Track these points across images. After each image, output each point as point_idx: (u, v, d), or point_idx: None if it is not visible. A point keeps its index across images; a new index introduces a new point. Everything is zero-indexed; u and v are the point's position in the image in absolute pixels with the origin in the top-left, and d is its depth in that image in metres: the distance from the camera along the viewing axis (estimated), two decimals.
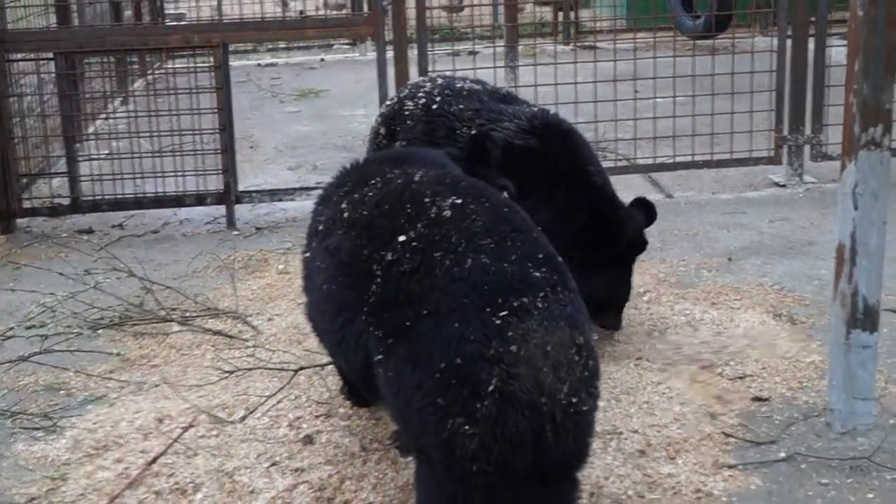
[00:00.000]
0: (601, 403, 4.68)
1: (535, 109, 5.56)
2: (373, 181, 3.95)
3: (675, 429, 4.53)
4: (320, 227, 4.02)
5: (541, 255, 3.50)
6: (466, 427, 3.24)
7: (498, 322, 3.27)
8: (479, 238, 3.46)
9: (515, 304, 3.30)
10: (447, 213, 3.57)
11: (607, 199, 5.35)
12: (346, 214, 3.85)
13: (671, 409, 4.70)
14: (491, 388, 3.22)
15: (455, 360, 3.25)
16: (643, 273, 6.42)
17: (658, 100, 7.78)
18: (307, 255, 4.20)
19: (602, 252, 5.25)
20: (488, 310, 3.29)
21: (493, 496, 3.45)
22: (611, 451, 4.34)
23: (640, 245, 5.42)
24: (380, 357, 3.48)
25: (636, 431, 4.47)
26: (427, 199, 3.66)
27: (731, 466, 4.30)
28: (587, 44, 14.08)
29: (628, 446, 4.37)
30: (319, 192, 4.51)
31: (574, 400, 3.35)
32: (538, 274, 3.42)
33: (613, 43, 9.21)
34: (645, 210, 5.40)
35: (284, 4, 15.98)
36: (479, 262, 3.38)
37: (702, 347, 5.38)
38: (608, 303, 5.34)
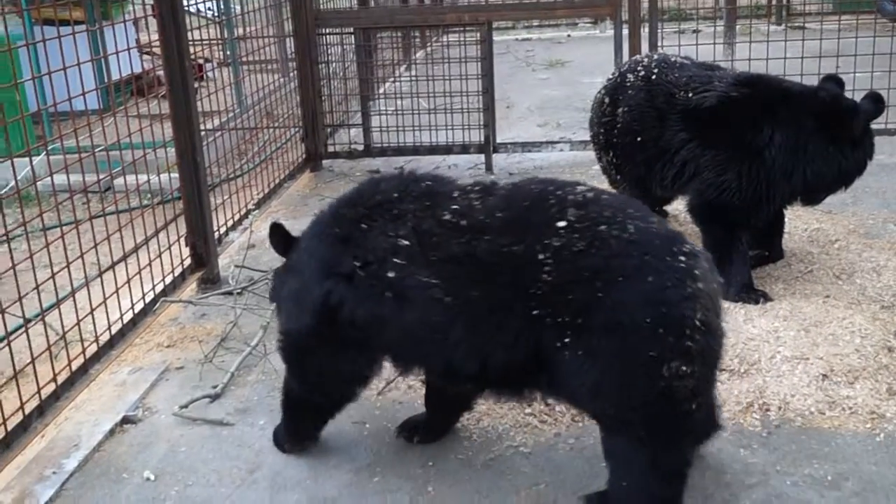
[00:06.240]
0: (792, 333, 4.57)
1: (736, 71, 5.46)
2: (471, 193, 3.39)
3: (856, 358, 4.33)
4: (405, 244, 3.30)
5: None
6: (683, 367, 2.96)
7: (683, 265, 3.03)
8: (623, 210, 3.18)
9: (685, 248, 3.08)
10: (586, 195, 3.22)
11: (831, 98, 5.08)
12: (462, 222, 3.26)
13: (853, 341, 4.48)
14: (697, 322, 2.98)
15: (661, 309, 2.96)
16: (835, 224, 6.14)
17: (857, 74, 7.35)
18: (392, 276, 3.28)
19: (840, 136, 5.00)
20: (668, 258, 3.03)
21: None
22: (797, 374, 4.19)
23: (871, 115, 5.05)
24: (565, 341, 3.04)
25: (821, 358, 4.30)
26: (555, 197, 3.24)
27: None
28: (797, 24, 13.50)
29: (813, 370, 4.21)
30: (365, 219, 3.44)
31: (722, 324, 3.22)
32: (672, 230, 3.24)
33: (820, 24, 8.80)
34: (873, 100, 4.98)
35: None
36: (639, 226, 3.11)
37: (883, 291, 5.10)
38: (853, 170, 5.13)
